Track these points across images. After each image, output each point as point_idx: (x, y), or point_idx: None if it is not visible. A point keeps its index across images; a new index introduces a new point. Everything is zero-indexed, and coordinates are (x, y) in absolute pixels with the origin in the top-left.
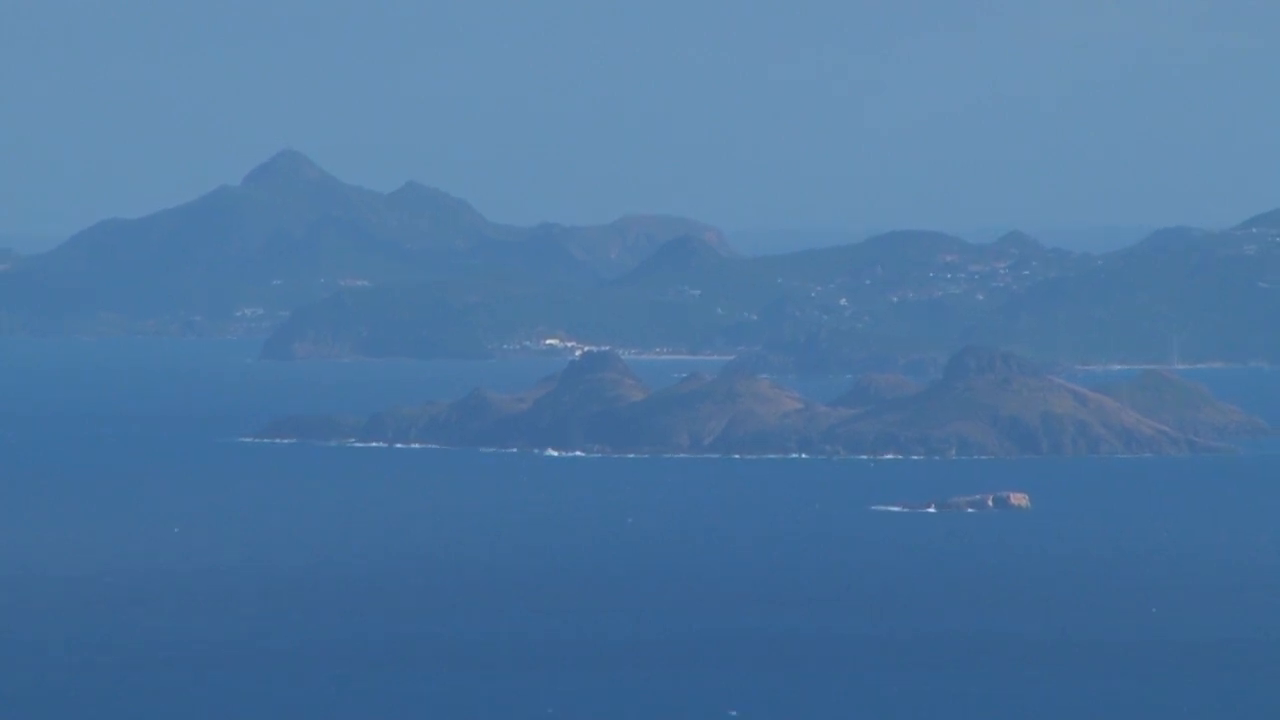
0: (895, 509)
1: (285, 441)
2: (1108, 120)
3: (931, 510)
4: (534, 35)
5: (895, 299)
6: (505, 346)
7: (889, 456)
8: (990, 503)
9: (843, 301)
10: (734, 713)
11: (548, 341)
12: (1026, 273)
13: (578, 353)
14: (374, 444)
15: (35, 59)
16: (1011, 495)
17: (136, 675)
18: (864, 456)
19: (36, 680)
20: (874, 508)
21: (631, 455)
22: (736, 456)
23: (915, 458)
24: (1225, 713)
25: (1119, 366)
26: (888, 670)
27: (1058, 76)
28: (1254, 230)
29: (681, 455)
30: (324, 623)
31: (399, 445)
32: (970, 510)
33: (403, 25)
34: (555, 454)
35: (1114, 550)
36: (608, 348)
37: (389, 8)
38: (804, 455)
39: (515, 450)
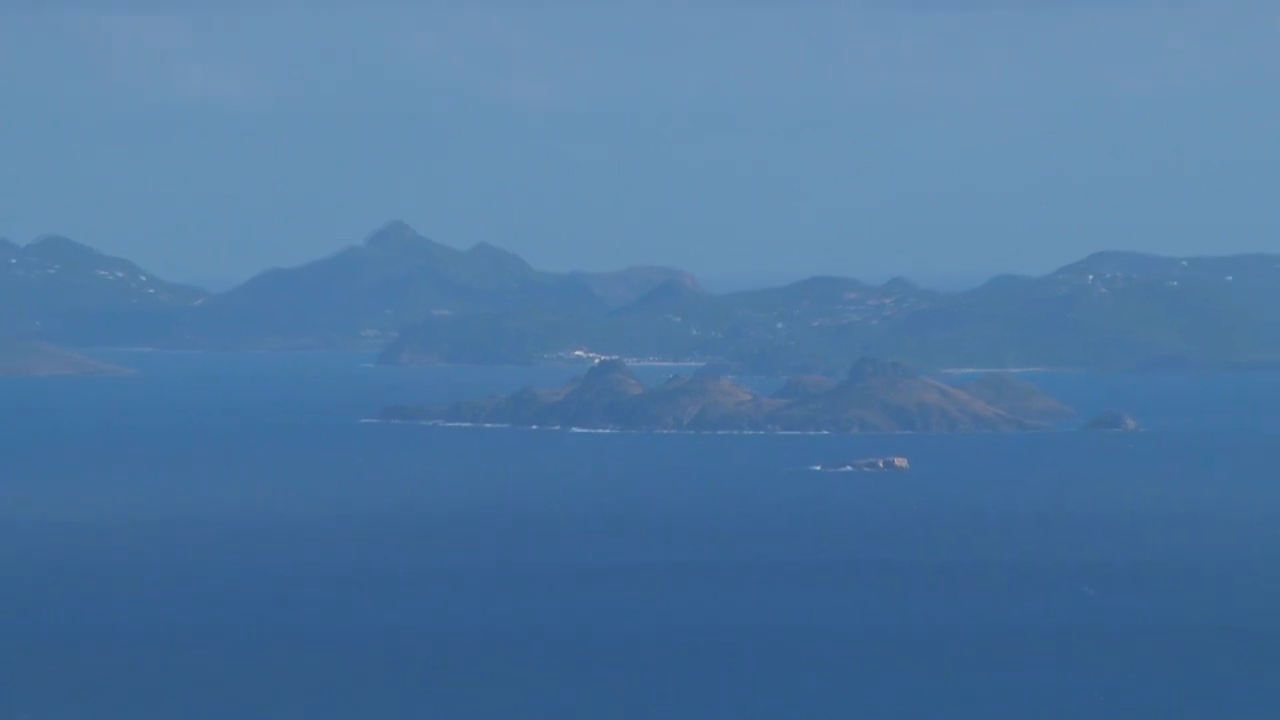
0: (817, 468)
1: (394, 422)
2: (959, 197)
3: (849, 469)
4: (566, 137)
5: (815, 324)
6: (546, 356)
7: (812, 432)
8: (882, 464)
9: (779, 325)
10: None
11: (575, 353)
12: (906, 305)
13: (596, 361)
14: (456, 424)
15: (211, 155)
16: (896, 459)
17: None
18: (795, 432)
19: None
20: (804, 468)
21: (633, 432)
22: (706, 433)
23: (830, 433)
24: (1055, 613)
25: (970, 370)
26: (822, 584)
27: (929, 175)
28: (1062, 277)
29: (667, 432)
30: (469, 549)
31: (473, 425)
32: (868, 469)
33: (472, 134)
34: (581, 431)
35: (967, 496)
36: (617, 357)
37: (462, 123)
38: (753, 432)
39: (556, 428)
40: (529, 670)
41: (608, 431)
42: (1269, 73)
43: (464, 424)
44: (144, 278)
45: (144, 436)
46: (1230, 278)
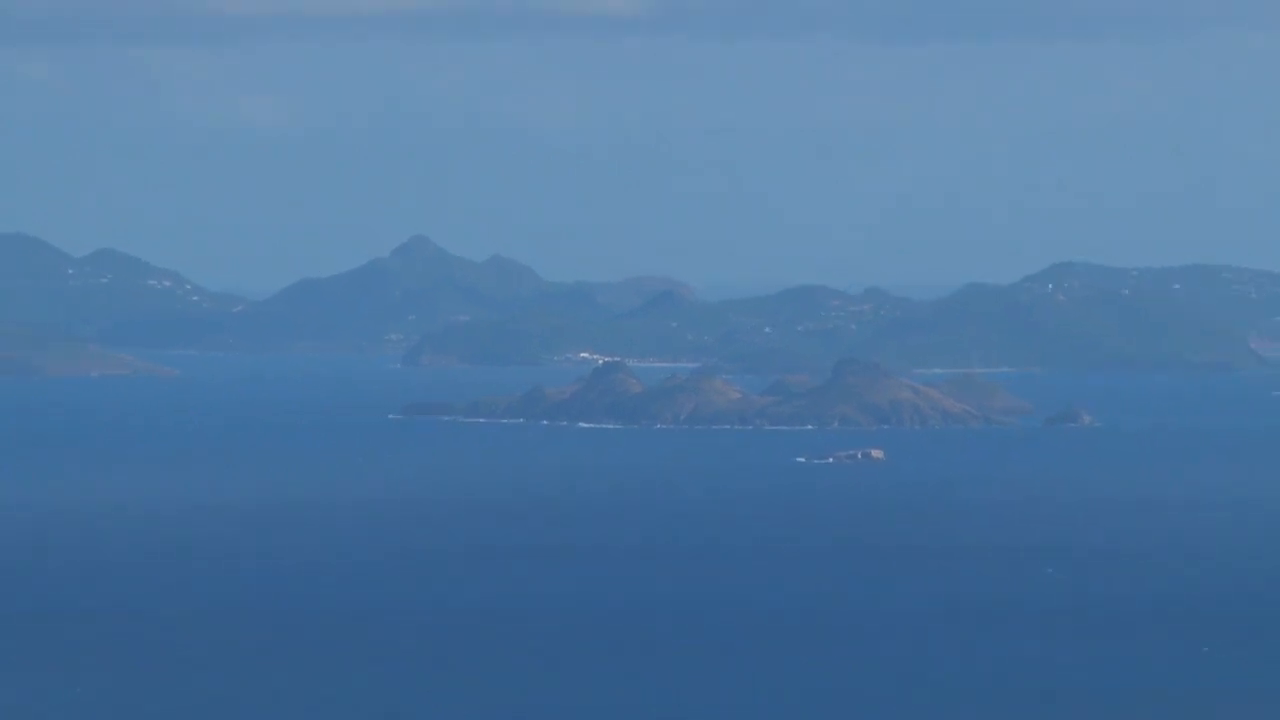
0: (801, 460)
1: (418, 418)
2: (931, 214)
3: (830, 461)
4: (573, 158)
5: (800, 329)
6: (554, 358)
7: (797, 427)
8: (860, 456)
9: (768, 330)
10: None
11: (581, 355)
12: (883, 312)
13: (600, 362)
14: (474, 420)
15: (250, 176)
16: (873, 451)
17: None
18: (782, 427)
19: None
20: (789, 459)
21: (634, 427)
22: (700, 428)
23: (813, 428)
24: (1020, 590)
25: (941, 371)
26: (805, 564)
27: (904, 194)
28: (1025, 285)
29: (665, 427)
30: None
31: (489, 420)
32: (847, 461)
33: (487, 156)
34: (586, 426)
35: (938, 485)
36: (619, 359)
37: (478, 146)
38: (743, 427)
39: (564, 423)
40: (547, 640)
41: (611, 427)
42: (1210, 105)
43: (481, 419)
44: (189, 286)
45: (194, 432)
46: (1178, 286)
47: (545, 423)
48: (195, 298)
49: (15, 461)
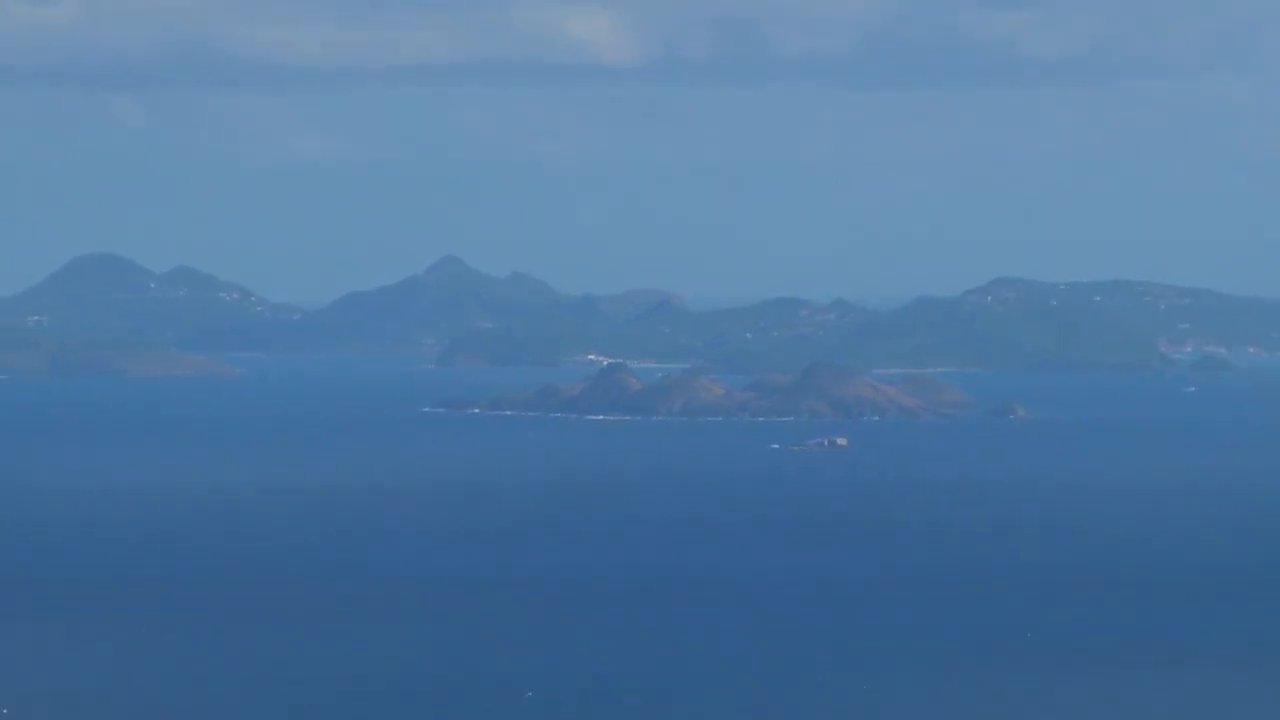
0: (776, 446)
1: (449, 411)
2: (888, 235)
3: (802, 447)
4: (581, 189)
5: (776, 334)
6: (565, 360)
7: (774, 419)
8: (826, 443)
9: (748, 335)
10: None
11: (588, 357)
12: (847, 320)
13: (604, 363)
14: (497, 412)
15: (306, 202)
16: (839, 439)
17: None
18: (760, 419)
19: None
20: (766, 446)
21: (634, 419)
22: (690, 420)
23: (788, 419)
24: (966, 559)
25: (897, 371)
26: (781, 537)
27: (865, 218)
28: (968, 297)
29: (660, 419)
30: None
31: (512, 413)
32: (817, 447)
33: (509, 187)
34: (593, 418)
35: (894, 468)
36: (621, 360)
37: (501, 178)
38: (727, 419)
39: (574, 416)
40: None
41: (614, 418)
42: (1126, 143)
43: (503, 412)
44: (253, 298)
45: (261, 423)
46: (1098, 298)
47: (558, 415)
48: (259, 308)
49: (117, 448)
